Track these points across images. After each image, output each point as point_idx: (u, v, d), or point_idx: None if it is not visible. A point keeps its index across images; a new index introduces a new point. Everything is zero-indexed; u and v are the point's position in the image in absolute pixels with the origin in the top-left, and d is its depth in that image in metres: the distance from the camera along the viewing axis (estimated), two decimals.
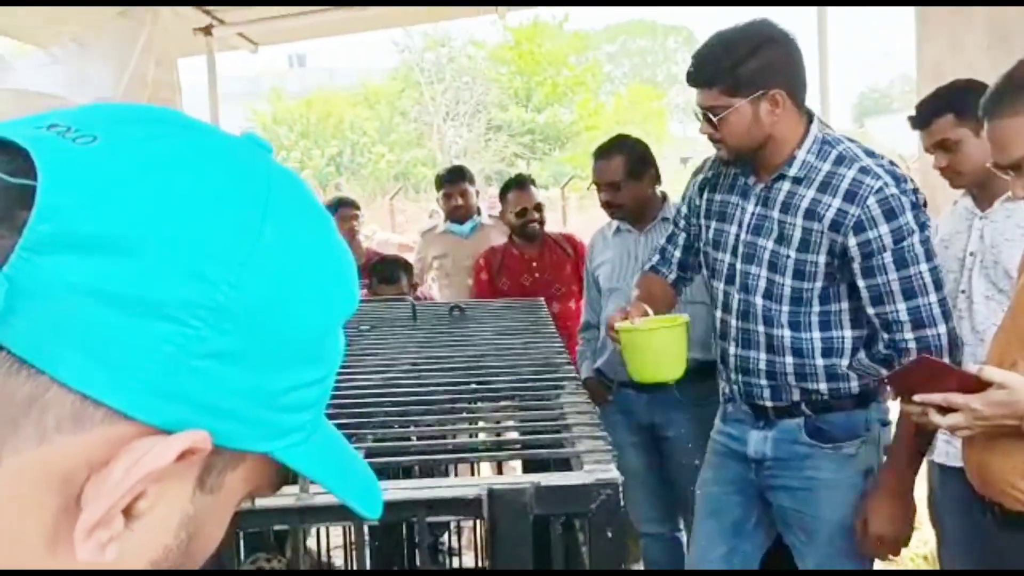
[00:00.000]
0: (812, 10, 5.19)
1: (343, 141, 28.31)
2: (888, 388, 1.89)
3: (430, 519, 1.23)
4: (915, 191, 2.13)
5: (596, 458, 1.30)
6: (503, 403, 1.68)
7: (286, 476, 0.55)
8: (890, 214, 2.07)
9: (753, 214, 2.25)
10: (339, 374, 1.82)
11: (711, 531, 2.46)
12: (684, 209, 2.53)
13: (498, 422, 1.61)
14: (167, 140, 0.48)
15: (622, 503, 1.21)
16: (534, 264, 4.22)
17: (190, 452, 0.46)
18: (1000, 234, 2.43)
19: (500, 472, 2.74)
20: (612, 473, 1.22)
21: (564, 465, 1.42)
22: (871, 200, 2.07)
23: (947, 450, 2.50)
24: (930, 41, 4.21)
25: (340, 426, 1.54)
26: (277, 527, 1.18)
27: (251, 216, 0.48)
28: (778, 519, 2.36)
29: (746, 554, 2.43)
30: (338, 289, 0.53)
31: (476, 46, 29.72)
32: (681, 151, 29.59)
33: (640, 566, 3.93)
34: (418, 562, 1.25)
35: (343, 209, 4.63)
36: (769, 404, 2.29)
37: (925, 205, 2.15)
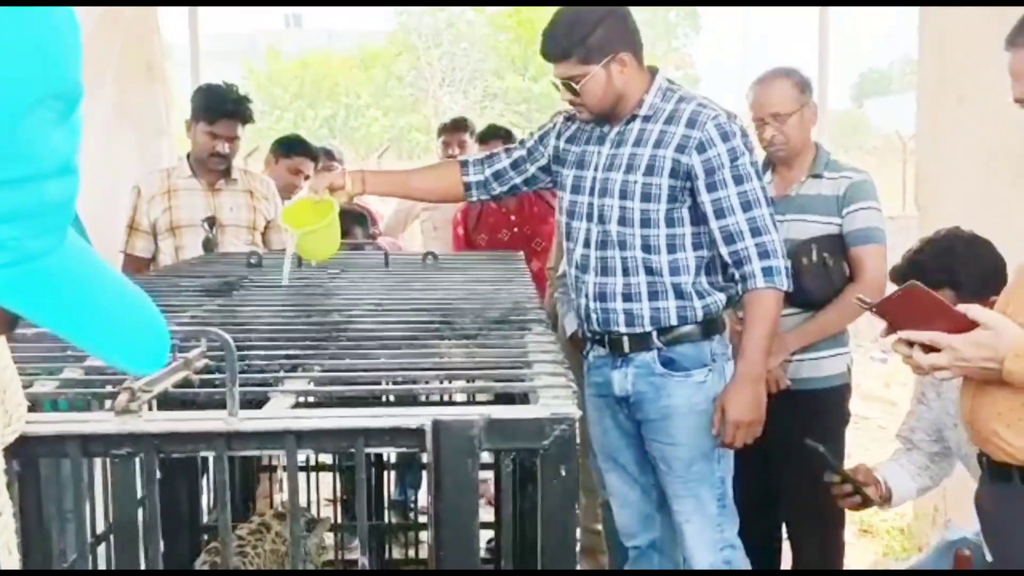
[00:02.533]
0: None
1: (337, 104, 28.02)
2: (880, 319, 1.79)
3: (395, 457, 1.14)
4: (742, 128, 2.50)
5: (554, 393, 1.20)
6: (464, 340, 1.58)
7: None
8: (724, 136, 2.42)
9: (607, 155, 2.53)
10: (296, 309, 1.68)
11: (618, 479, 2.73)
12: (539, 134, 2.74)
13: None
14: None
15: (578, 440, 1.12)
16: (513, 218, 4.11)
17: None
18: None
19: None
20: (568, 408, 1.13)
21: (524, 402, 1.32)
22: (709, 125, 2.43)
23: None
24: (935, 9, 4.10)
25: (288, 357, 1.44)
26: (204, 454, 1.09)
27: None
28: (649, 453, 2.61)
29: (660, 488, 2.66)
30: (24, 58, 0.38)
31: (476, 11, 29.38)
32: None
33: (599, 527, 3.87)
34: (358, 505, 1.15)
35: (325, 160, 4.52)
36: (624, 331, 2.53)
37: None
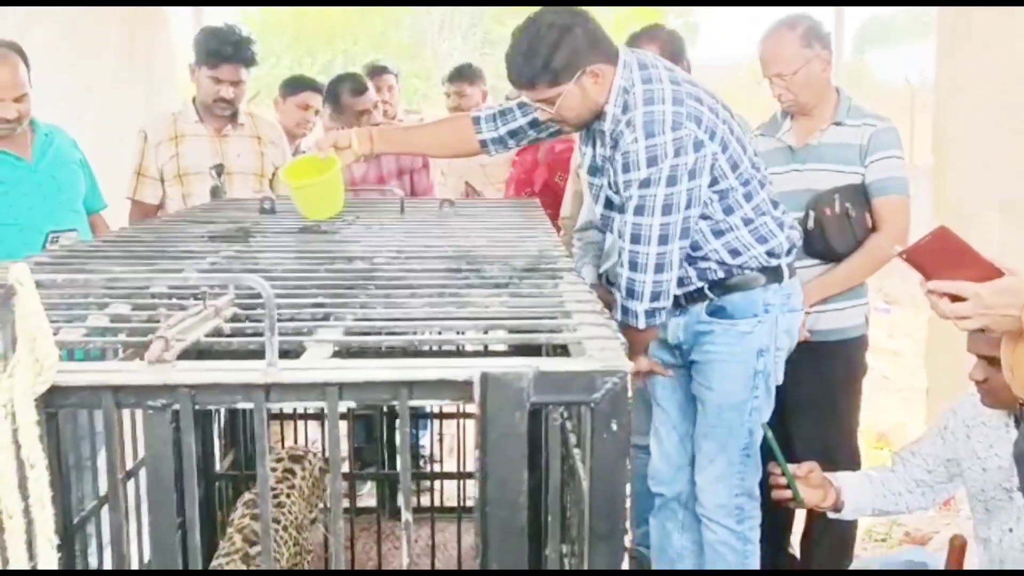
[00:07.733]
0: None
1: (335, 50, 27.66)
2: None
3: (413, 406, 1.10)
4: (698, 118, 2.28)
5: (601, 345, 1.16)
6: (496, 289, 1.53)
7: None
8: (649, 128, 2.26)
9: (601, 156, 2.47)
10: (317, 256, 1.61)
11: (661, 418, 2.76)
12: None
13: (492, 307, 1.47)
14: None
15: (630, 394, 1.08)
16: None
17: None
18: None
19: None
20: (620, 361, 1.08)
21: (563, 353, 1.28)
22: (638, 118, 2.27)
23: None
24: None
25: (317, 305, 1.39)
26: (242, 405, 1.04)
27: None
28: (693, 392, 2.64)
29: (694, 438, 2.69)
30: None
31: None
32: None
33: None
34: (399, 460, 1.11)
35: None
36: (678, 292, 2.50)
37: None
